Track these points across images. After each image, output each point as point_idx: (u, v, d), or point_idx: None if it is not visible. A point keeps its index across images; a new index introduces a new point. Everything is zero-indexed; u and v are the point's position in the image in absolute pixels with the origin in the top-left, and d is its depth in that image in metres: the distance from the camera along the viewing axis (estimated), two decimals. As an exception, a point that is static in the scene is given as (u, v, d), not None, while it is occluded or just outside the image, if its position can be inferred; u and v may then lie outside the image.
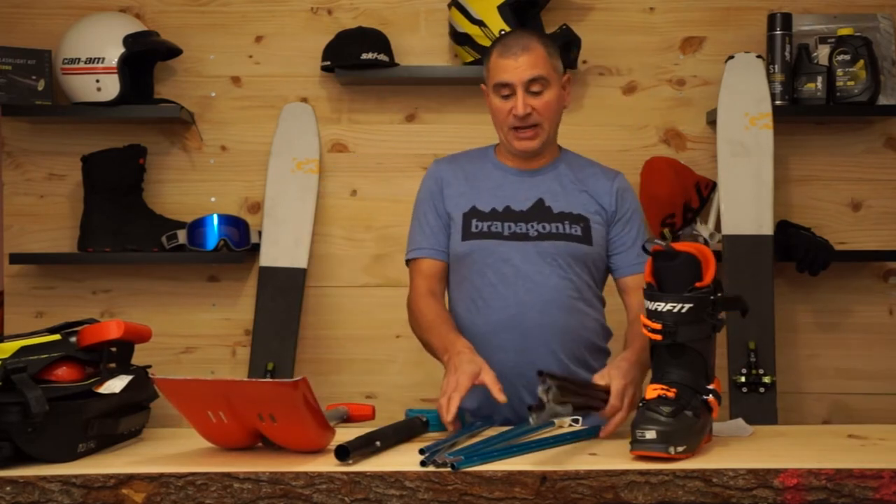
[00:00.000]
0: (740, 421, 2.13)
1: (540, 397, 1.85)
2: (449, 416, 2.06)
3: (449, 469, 1.75)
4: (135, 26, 3.27)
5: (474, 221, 2.45)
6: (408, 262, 2.54)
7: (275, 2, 3.45)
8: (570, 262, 2.41)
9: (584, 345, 2.43)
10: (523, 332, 2.37)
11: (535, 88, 2.40)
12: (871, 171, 3.44)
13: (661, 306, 1.91)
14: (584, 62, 3.40)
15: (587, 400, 2.05)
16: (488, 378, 2.14)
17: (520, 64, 2.39)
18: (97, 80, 3.21)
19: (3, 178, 3.44)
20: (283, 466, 1.77)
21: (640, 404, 1.90)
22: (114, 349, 1.99)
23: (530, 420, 1.87)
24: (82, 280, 3.44)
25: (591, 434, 2.04)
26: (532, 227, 2.43)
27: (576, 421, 2.13)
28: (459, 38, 3.31)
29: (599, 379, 2.15)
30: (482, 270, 2.42)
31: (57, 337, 1.96)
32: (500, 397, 2.10)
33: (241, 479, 1.74)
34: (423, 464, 1.77)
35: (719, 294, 1.94)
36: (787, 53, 3.29)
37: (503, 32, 3.21)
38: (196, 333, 3.45)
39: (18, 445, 1.80)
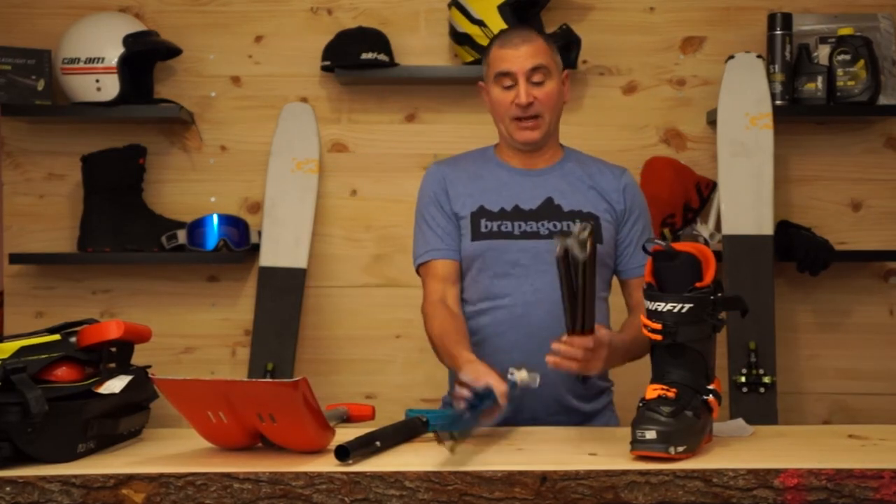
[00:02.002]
0: (740, 421, 2.13)
1: (576, 238, 1.92)
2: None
3: (450, 444, 1.77)
4: (135, 26, 3.28)
5: (483, 221, 2.42)
6: (419, 267, 2.48)
7: (275, 2, 3.45)
8: None
9: None
10: (529, 333, 2.35)
11: (536, 78, 2.38)
12: (872, 171, 3.44)
13: (662, 306, 1.91)
14: (584, 62, 3.40)
15: (579, 316, 2.03)
16: (491, 379, 2.08)
17: (521, 53, 2.38)
18: (97, 80, 3.21)
19: (3, 178, 3.44)
20: (283, 466, 1.77)
21: (640, 404, 1.90)
22: (113, 349, 1.99)
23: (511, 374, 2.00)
24: (82, 280, 3.44)
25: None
26: (543, 225, 2.40)
27: (533, 380, 2.11)
28: (459, 38, 3.31)
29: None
30: (491, 270, 2.40)
31: (57, 337, 1.96)
32: (503, 400, 2.05)
33: (241, 479, 1.74)
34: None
35: (719, 294, 1.94)
36: (787, 53, 3.29)
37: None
38: (196, 333, 3.45)
39: (18, 445, 1.80)
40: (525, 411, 2.31)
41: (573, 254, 1.93)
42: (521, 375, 2.09)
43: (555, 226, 2.40)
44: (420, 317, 3.35)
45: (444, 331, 2.34)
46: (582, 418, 2.40)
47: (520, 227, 2.41)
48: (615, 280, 2.51)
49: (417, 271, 2.49)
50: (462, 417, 1.92)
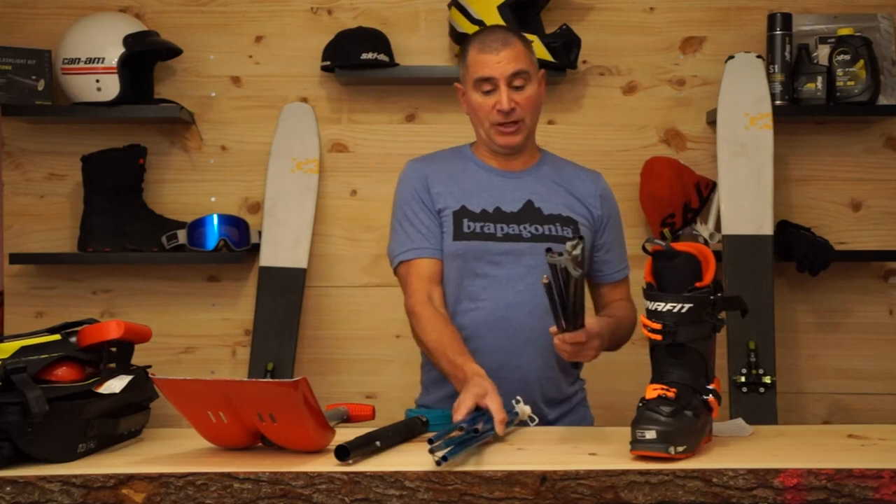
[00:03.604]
0: (740, 421, 2.13)
1: (570, 255, 1.88)
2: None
3: (439, 462, 1.73)
4: (135, 26, 3.28)
5: (466, 221, 2.39)
6: (398, 265, 2.43)
7: (275, 2, 3.45)
8: None
9: None
10: (511, 335, 2.34)
11: (517, 83, 2.36)
12: (871, 171, 3.44)
13: (661, 306, 1.91)
14: (584, 62, 3.41)
15: (571, 318, 2.03)
16: (493, 405, 2.03)
17: (501, 58, 2.35)
18: (97, 80, 3.21)
19: (3, 178, 3.44)
20: (283, 466, 1.77)
21: (640, 404, 1.90)
22: (114, 349, 1.99)
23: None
24: (82, 280, 3.44)
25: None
26: (525, 228, 2.39)
27: (532, 420, 2.14)
28: (459, 38, 3.30)
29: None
30: (472, 271, 2.37)
31: (57, 337, 1.96)
32: (500, 429, 1.99)
33: (241, 479, 1.74)
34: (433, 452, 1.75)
35: (719, 294, 1.94)
36: (787, 53, 3.29)
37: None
38: (196, 333, 3.45)
39: (18, 445, 1.80)
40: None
41: (568, 271, 1.91)
42: (523, 409, 2.10)
43: (536, 229, 2.38)
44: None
45: (442, 336, 2.30)
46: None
47: (502, 229, 2.38)
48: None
49: (395, 270, 2.44)
50: (458, 436, 1.89)
